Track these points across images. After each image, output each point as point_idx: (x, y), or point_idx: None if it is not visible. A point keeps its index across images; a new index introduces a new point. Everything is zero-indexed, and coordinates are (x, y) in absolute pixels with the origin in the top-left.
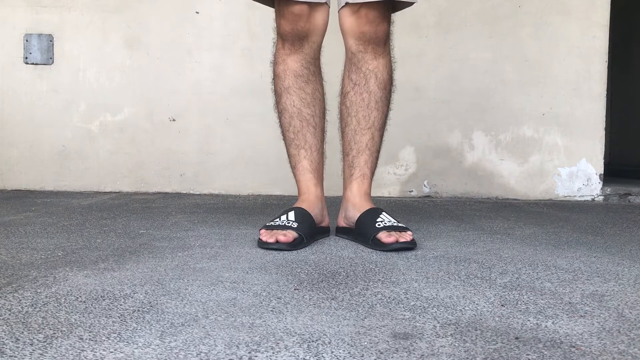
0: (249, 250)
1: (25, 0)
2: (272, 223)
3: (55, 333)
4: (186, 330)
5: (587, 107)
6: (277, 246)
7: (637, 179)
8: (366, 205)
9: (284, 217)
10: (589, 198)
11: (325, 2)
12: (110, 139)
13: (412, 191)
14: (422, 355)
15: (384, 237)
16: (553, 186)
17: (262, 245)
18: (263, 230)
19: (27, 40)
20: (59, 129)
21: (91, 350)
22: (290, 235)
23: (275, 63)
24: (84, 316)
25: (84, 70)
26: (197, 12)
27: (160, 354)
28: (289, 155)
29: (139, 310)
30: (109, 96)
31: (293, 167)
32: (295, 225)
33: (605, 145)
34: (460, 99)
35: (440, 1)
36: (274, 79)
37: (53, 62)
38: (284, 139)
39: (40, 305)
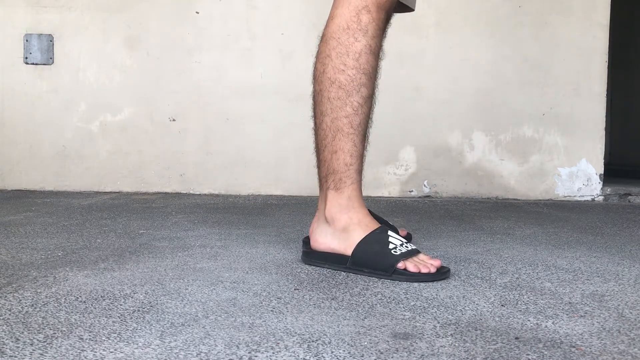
0: (249, 250)
1: (25, 0)
2: (402, 250)
3: (55, 333)
4: (186, 330)
5: (587, 107)
6: (447, 275)
7: (637, 179)
8: None
9: (397, 241)
10: (589, 198)
11: None
12: (110, 139)
13: (412, 191)
14: (422, 355)
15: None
16: (553, 186)
17: (434, 277)
18: (407, 263)
19: (27, 40)
20: (59, 129)
21: (91, 350)
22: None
23: (372, 36)
24: (84, 316)
25: (84, 70)
26: (197, 12)
27: (160, 354)
28: (352, 150)
29: (139, 310)
30: (109, 96)
31: (349, 165)
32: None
33: (605, 145)
34: (460, 99)
35: (440, 1)
36: (367, 54)
37: (53, 62)
38: (351, 125)
39: (40, 305)
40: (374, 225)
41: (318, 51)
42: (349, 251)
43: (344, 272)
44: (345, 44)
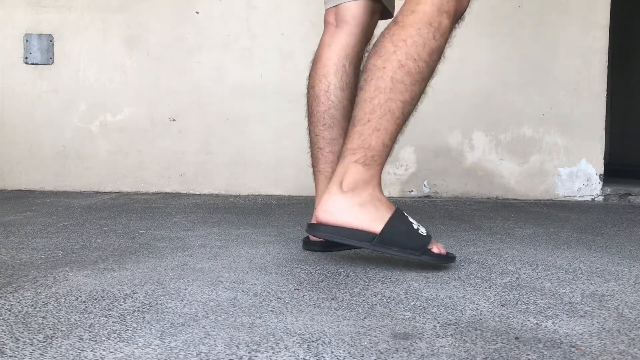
0: (249, 250)
1: (25, 0)
2: (424, 232)
3: (55, 333)
4: (186, 330)
5: (587, 107)
6: (454, 259)
7: (637, 179)
8: None
9: (415, 223)
10: (589, 198)
11: None
12: (110, 139)
13: (412, 191)
14: (422, 355)
15: None
16: (553, 186)
17: (451, 260)
18: (432, 245)
19: (27, 40)
20: (59, 129)
21: (91, 350)
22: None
23: (445, 40)
24: (84, 316)
25: (84, 70)
26: (197, 12)
27: (160, 354)
28: (393, 134)
29: (139, 310)
30: (109, 96)
31: (386, 146)
32: None
33: (605, 145)
34: (460, 99)
35: None
36: (437, 55)
37: (53, 62)
38: (402, 112)
39: (40, 305)
40: (392, 206)
41: (389, 32)
42: (374, 228)
43: (366, 248)
44: (425, 37)
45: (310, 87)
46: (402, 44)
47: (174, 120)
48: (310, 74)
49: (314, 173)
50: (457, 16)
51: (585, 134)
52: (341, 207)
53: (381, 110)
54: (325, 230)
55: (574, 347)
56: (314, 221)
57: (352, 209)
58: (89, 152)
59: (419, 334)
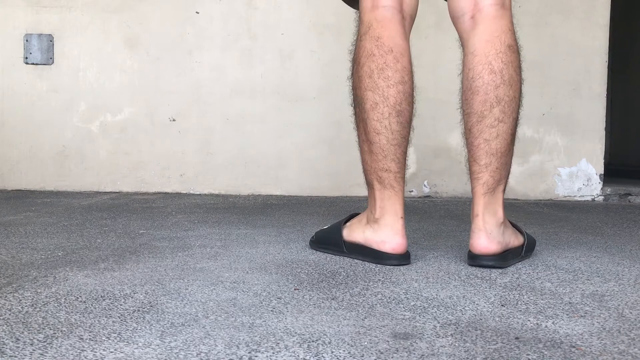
0: (249, 250)
1: (25, 0)
2: None
3: (55, 333)
4: (186, 330)
5: (587, 107)
6: None
7: (637, 179)
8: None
9: None
10: (589, 198)
11: None
12: (110, 139)
13: (412, 191)
14: (422, 355)
15: None
16: (553, 186)
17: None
18: None
19: (27, 40)
20: (59, 129)
21: (91, 350)
22: None
23: None
24: (84, 316)
25: (84, 70)
26: (197, 12)
27: (160, 354)
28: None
29: (139, 310)
30: (109, 96)
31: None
32: None
33: (605, 145)
34: (460, 99)
35: (440, 1)
36: None
37: (53, 62)
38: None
39: (40, 305)
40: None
41: (508, 60)
42: (520, 241)
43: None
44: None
45: (382, 68)
46: (519, 71)
47: (174, 120)
48: (370, 49)
49: (388, 178)
50: None
51: (585, 134)
52: (503, 233)
53: (513, 137)
54: (507, 257)
55: (574, 347)
56: (484, 252)
57: (506, 232)
58: (89, 152)
59: (419, 334)
